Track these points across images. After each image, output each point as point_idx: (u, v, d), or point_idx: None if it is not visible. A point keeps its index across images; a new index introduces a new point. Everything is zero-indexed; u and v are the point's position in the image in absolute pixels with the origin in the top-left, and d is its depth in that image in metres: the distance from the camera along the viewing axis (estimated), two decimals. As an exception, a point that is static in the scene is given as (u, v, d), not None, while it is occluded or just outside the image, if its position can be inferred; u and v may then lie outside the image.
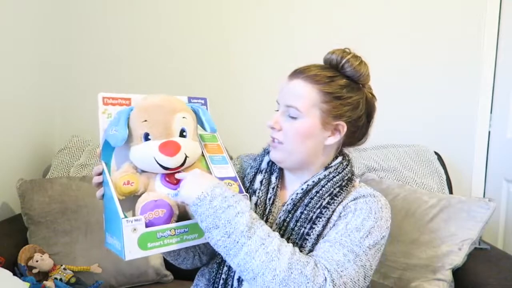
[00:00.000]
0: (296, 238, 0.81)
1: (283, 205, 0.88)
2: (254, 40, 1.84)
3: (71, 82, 1.90)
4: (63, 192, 1.48)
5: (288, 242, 0.77)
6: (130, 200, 0.78)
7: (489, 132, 1.77)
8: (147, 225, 0.74)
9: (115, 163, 0.81)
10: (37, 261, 1.32)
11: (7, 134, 1.59)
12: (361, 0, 1.78)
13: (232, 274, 0.86)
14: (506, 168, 1.70)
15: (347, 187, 0.87)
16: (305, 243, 0.81)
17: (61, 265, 1.37)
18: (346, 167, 0.91)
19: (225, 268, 0.87)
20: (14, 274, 1.22)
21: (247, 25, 1.85)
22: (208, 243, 0.77)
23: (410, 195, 1.40)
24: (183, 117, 0.82)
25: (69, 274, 1.35)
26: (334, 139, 0.88)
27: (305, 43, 1.80)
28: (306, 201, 0.85)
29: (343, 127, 0.88)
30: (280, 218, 0.85)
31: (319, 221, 0.82)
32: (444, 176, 1.61)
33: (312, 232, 0.81)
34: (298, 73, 0.88)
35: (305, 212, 0.83)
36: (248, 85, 1.86)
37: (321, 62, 0.93)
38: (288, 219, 0.84)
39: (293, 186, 0.92)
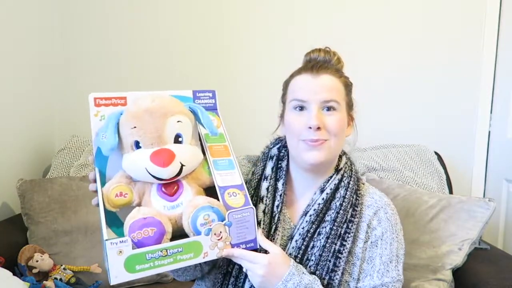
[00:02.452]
0: (328, 256, 0.83)
1: (304, 215, 0.87)
2: (255, 38, 1.84)
3: (70, 82, 1.90)
4: (63, 192, 1.48)
5: (320, 258, 0.82)
6: (128, 210, 0.73)
7: (489, 132, 1.77)
8: (136, 245, 0.68)
9: (110, 170, 0.76)
10: (37, 261, 1.32)
11: (7, 134, 1.59)
12: (361, 1, 1.78)
13: (239, 284, 0.85)
14: (506, 168, 1.70)
15: (360, 191, 0.90)
16: (339, 262, 0.83)
17: (61, 265, 1.36)
18: (352, 167, 0.93)
19: (232, 279, 0.85)
20: (14, 274, 1.22)
21: (248, 22, 1.84)
22: None
23: (410, 195, 1.40)
24: (178, 121, 0.74)
25: (69, 274, 1.35)
26: (351, 130, 0.92)
27: (305, 43, 1.79)
28: (333, 215, 0.85)
29: (353, 117, 0.93)
30: (303, 228, 0.85)
31: (348, 237, 0.84)
32: (444, 176, 1.61)
33: (343, 249, 0.83)
34: (321, 68, 0.87)
35: (334, 228, 0.84)
36: (250, 83, 1.86)
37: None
38: (312, 231, 0.85)
39: (305, 192, 0.91)
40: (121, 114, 0.74)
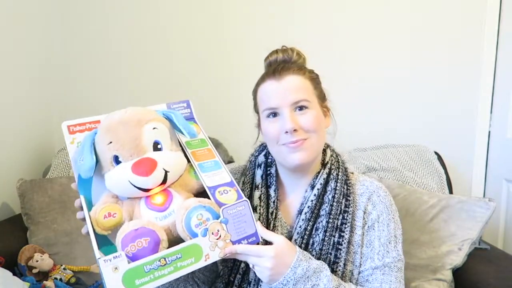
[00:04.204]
0: (328, 249, 0.83)
1: (299, 214, 0.87)
2: (255, 38, 1.84)
3: (70, 82, 1.90)
4: (63, 192, 1.48)
5: (321, 252, 0.82)
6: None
7: (489, 132, 1.76)
8: (131, 259, 0.64)
9: (95, 196, 0.73)
10: (37, 261, 1.32)
11: (7, 134, 1.59)
12: (361, 1, 1.78)
13: None
14: (506, 168, 1.70)
15: (349, 180, 0.91)
16: (339, 253, 0.83)
17: (61, 265, 1.37)
18: (338, 158, 0.94)
19: None
20: (14, 274, 1.22)
21: (248, 23, 1.84)
22: (206, 268, 0.72)
23: (410, 195, 1.40)
24: (154, 128, 0.72)
25: (69, 274, 1.35)
26: (329, 121, 0.92)
27: (305, 44, 1.79)
28: (327, 209, 0.85)
29: (328, 108, 0.93)
30: (300, 227, 0.85)
31: (345, 227, 0.85)
32: (444, 176, 1.61)
33: (342, 241, 0.84)
34: (283, 70, 0.86)
35: (330, 220, 0.84)
36: (250, 83, 1.86)
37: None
38: (310, 228, 0.85)
39: (296, 192, 0.91)
40: (95, 133, 0.72)
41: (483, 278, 1.19)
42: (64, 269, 1.36)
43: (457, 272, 1.25)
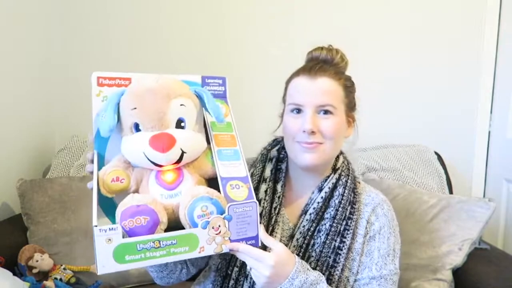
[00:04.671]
0: (328, 252, 0.84)
1: (303, 214, 0.87)
2: (255, 38, 1.84)
3: (70, 82, 1.90)
4: (63, 192, 1.48)
5: (321, 254, 0.83)
6: (125, 197, 0.69)
7: (489, 132, 1.76)
8: (128, 234, 0.64)
9: (109, 154, 0.72)
10: (37, 261, 1.32)
11: (7, 134, 1.59)
12: (361, 1, 1.78)
13: (239, 287, 0.84)
14: (506, 168, 1.70)
15: (357, 189, 0.91)
16: (338, 258, 0.84)
17: (61, 265, 1.37)
18: (349, 166, 0.94)
19: (232, 282, 0.85)
20: (14, 274, 1.22)
21: (248, 22, 1.84)
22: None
23: (410, 195, 1.40)
24: (181, 105, 0.70)
25: (69, 274, 1.35)
26: (351, 131, 0.92)
27: (305, 43, 1.79)
28: (332, 213, 0.86)
29: (354, 118, 0.92)
30: (304, 227, 0.86)
31: (347, 233, 0.85)
32: (444, 176, 1.61)
33: (343, 246, 0.84)
34: (319, 70, 0.86)
35: (334, 225, 0.85)
36: (250, 83, 1.86)
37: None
38: (312, 229, 0.85)
39: (302, 191, 0.92)
40: (122, 94, 0.70)
41: (483, 278, 1.19)
42: (64, 269, 1.36)
43: (457, 272, 1.25)
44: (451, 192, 1.60)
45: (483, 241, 1.38)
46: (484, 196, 1.79)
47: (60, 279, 1.33)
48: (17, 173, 1.61)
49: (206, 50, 1.86)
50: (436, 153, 1.66)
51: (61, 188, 1.49)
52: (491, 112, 1.75)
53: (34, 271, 1.32)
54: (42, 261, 1.33)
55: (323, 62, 0.89)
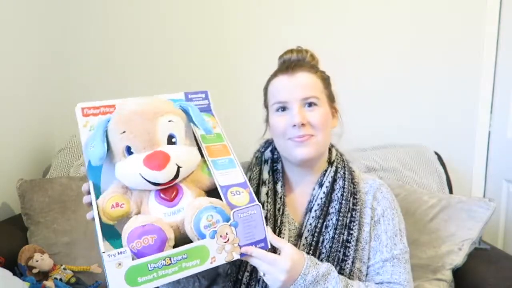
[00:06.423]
0: (338, 246, 0.85)
1: (308, 211, 0.88)
2: (255, 38, 1.84)
3: (70, 82, 1.90)
4: (63, 192, 1.48)
5: (331, 250, 0.83)
6: (126, 222, 0.68)
7: (489, 132, 1.76)
8: (136, 256, 0.63)
9: (104, 183, 0.71)
10: (37, 261, 1.32)
11: (7, 134, 1.59)
12: (361, 1, 1.78)
13: None
14: (506, 168, 1.70)
15: (355, 179, 0.92)
16: (348, 251, 0.85)
17: (61, 265, 1.37)
18: (342, 157, 0.95)
19: (243, 287, 0.84)
20: (14, 274, 1.22)
21: (248, 23, 1.84)
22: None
23: (410, 195, 1.40)
24: (169, 121, 0.70)
25: (69, 274, 1.35)
26: (336, 122, 0.94)
27: (305, 45, 1.79)
28: (337, 206, 0.87)
29: (337, 109, 0.94)
30: (310, 224, 0.86)
31: (353, 225, 0.86)
32: (444, 176, 1.61)
33: (351, 238, 0.85)
34: (296, 67, 0.88)
35: (340, 218, 0.86)
36: (250, 83, 1.86)
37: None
38: (320, 225, 0.86)
39: (302, 188, 0.92)
40: (109, 121, 0.70)
41: (483, 278, 1.19)
42: (64, 269, 1.36)
43: (457, 272, 1.25)
44: (451, 192, 1.60)
45: (483, 241, 1.38)
46: (484, 196, 1.79)
47: (60, 279, 1.33)
48: (17, 173, 1.61)
49: (206, 50, 1.86)
50: (436, 153, 1.66)
51: (61, 188, 1.49)
52: (491, 112, 1.75)
53: (34, 271, 1.32)
54: (42, 261, 1.33)
55: (296, 62, 0.91)
